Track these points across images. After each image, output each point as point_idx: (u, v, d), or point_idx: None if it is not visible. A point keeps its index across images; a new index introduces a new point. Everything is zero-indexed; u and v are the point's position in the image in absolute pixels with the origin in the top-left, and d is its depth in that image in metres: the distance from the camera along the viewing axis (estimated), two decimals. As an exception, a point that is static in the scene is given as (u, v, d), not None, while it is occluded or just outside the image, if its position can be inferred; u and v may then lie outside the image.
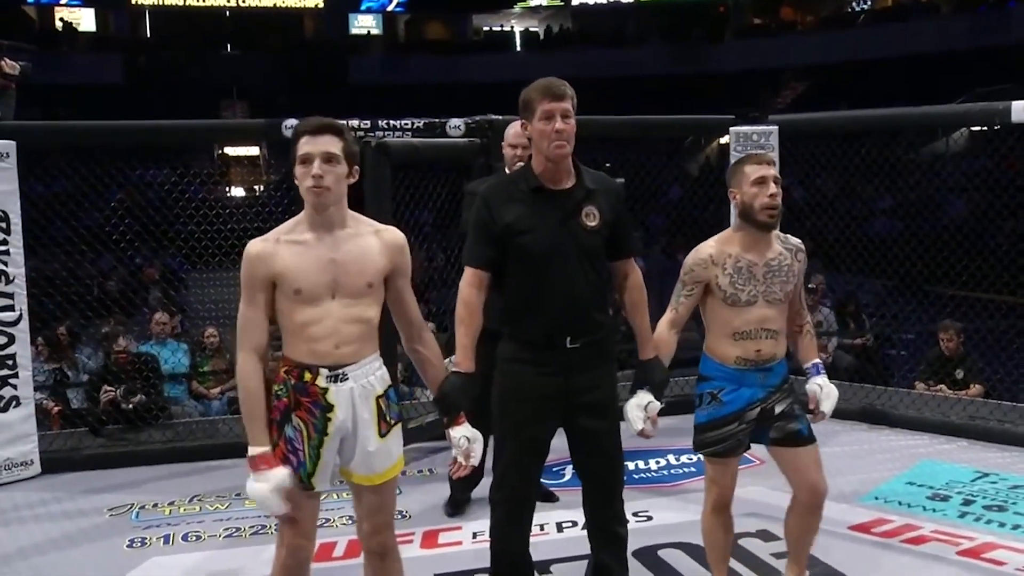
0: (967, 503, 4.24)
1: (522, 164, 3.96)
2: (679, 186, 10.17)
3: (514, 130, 4.15)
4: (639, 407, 2.97)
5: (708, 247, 3.06)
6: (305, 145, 2.54)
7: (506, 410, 2.98)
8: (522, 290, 2.90)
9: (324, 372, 2.56)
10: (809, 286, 8.03)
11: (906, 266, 6.17)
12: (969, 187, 7.94)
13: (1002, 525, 3.98)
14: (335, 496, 4.14)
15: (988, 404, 5.52)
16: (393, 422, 2.68)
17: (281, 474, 2.53)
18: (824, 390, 3.11)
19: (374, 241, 2.63)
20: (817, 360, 3.17)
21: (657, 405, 2.99)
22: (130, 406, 5.64)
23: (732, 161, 5.67)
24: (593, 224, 2.89)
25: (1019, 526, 3.96)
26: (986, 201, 7.56)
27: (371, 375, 2.63)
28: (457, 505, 4.32)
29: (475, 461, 2.78)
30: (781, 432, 3.02)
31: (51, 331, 7.02)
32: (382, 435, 2.64)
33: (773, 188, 2.95)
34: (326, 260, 2.56)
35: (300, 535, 2.63)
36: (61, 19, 27.29)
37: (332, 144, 2.55)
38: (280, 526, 2.67)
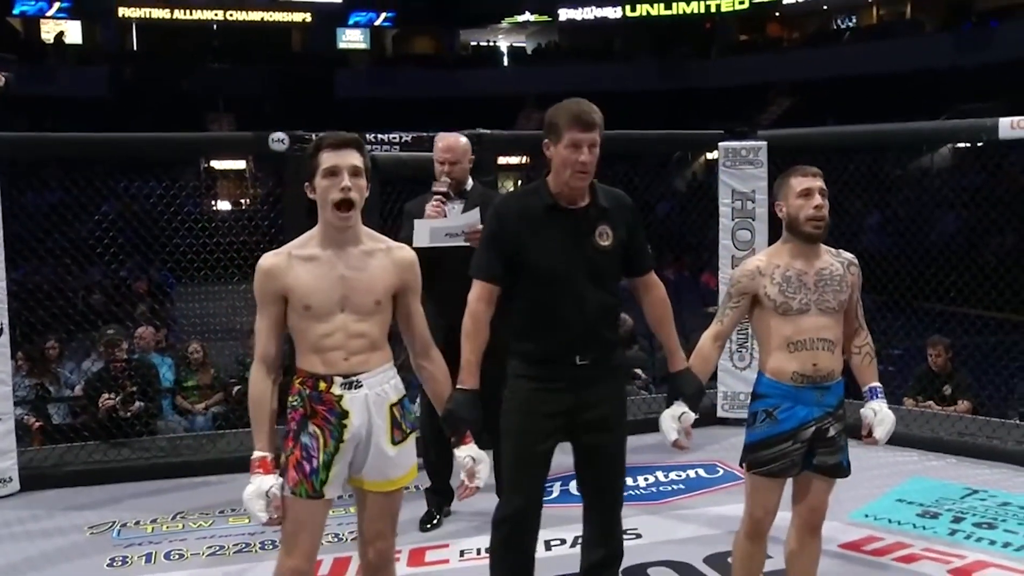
0: (957, 520, 4.22)
1: (449, 178, 4.02)
2: (667, 201, 10.17)
3: (442, 143, 4.11)
4: (673, 418, 2.94)
5: (756, 259, 3.05)
6: (331, 158, 2.56)
7: (514, 427, 2.95)
8: (532, 308, 2.88)
9: (338, 380, 2.58)
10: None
11: (895, 281, 6.16)
12: (957, 203, 7.97)
13: (992, 543, 3.96)
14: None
15: (977, 420, 5.50)
16: (408, 431, 2.69)
17: (267, 481, 2.54)
18: (879, 415, 3.01)
19: (384, 259, 2.65)
20: (875, 384, 3.07)
21: (691, 416, 2.95)
22: (128, 414, 5.58)
23: (721, 175, 5.73)
24: (606, 244, 2.87)
25: (1009, 544, 3.94)
26: (974, 217, 7.58)
27: (385, 383, 2.64)
28: (428, 520, 4.28)
29: (480, 482, 2.74)
30: (824, 460, 2.97)
31: (33, 345, 6.94)
32: (395, 443, 2.65)
33: (819, 200, 2.94)
34: (336, 277, 2.58)
35: (301, 556, 2.61)
36: (48, 31, 27.20)
37: (356, 158, 2.59)
38: (283, 544, 2.64)
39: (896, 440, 5.32)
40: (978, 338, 6.68)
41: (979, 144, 5.56)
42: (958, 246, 6.65)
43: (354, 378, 2.58)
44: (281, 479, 2.57)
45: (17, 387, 6.46)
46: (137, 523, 4.41)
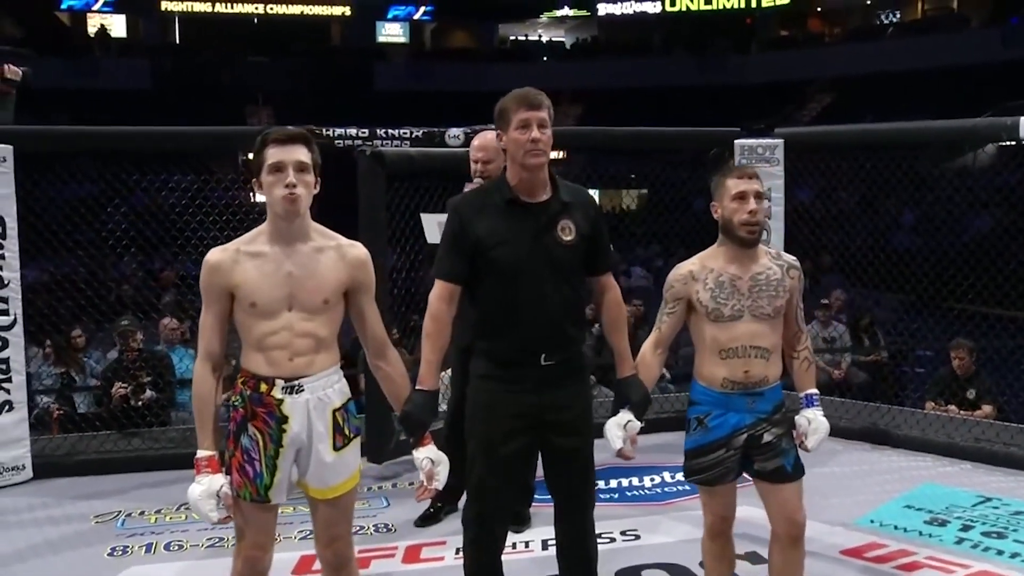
0: (966, 529, 4.12)
1: (481, 178, 3.90)
2: (703, 198, 10.07)
3: (477, 142, 4.03)
4: (618, 426, 2.88)
5: (689, 263, 2.96)
6: (276, 154, 2.52)
7: (478, 428, 2.90)
8: (495, 305, 2.82)
9: (280, 383, 2.55)
10: (823, 301, 7.89)
11: (926, 282, 6.04)
12: (991, 203, 7.80)
13: (1000, 553, 3.85)
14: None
15: (995, 426, 5.36)
16: (352, 435, 2.65)
17: (217, 481, 2.52)
18: (812, 424, 2.96)
19: (334, 256, 2.61)
20: (812, 391, 3.01)
21: (637, 425, 2.90)
22: (139, 403, 5.64)
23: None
24: (569, 238, 2.80)
25: (1018, 554, 3.83)
26: (1009, 217, 7.41)
27: (328, 388, 2.61)
28: (427, 518, 4.26)
29: (439, 484, 2.72)
30: (764, 467, 2.91)
31: (61, 335, 7.04)
32: (337, 448, 2.61)
33: (753, 204, 2.84)
34: (283, 274, 2.54)
35: (256, 546, 2.63)
36: (93, 25, 27.71)
37: (303, 153, 2.55)
38: (237, 537, 2.65)
39: (911, 444, 5.30)
40: (997, 341, 6.53)
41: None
42: (991, 246, 6.49)
43: (296, 382, 2.54)
44: (228, 477, 2.56)
45: (43, 375, 6.60)
46: (142, 513, 4.46)
